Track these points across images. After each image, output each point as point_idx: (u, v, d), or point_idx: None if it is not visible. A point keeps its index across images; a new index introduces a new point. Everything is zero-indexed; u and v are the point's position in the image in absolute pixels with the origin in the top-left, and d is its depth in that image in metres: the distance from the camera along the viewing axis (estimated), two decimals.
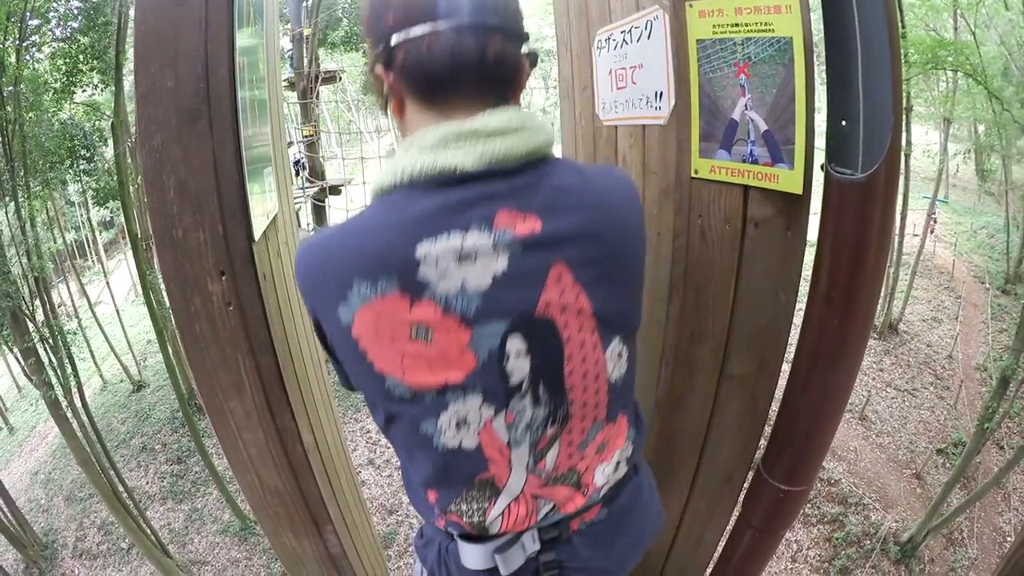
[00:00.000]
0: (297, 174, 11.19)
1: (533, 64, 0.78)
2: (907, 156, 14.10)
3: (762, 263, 1.25)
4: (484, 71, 0.71)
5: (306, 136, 10.80)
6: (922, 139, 20.54)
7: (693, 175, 1.29)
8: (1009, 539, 10.85)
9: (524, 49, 0.77)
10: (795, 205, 1.17)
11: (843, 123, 1.01)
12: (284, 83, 11.64)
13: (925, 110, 19.87)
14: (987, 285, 18.42)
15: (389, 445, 9.73)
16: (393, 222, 0.68)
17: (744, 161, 1.18)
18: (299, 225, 11.40)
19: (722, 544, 1.69)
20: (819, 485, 11.57)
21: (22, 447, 16.69)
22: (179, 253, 1.10)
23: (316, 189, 10.91)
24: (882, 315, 15.54)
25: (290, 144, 10.84)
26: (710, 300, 1.36)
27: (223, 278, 1.11)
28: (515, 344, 0.71)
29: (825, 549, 10.84)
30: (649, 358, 1.57)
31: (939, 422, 13.47)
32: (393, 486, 11.21)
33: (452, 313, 0.69)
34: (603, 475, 0.85)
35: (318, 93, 10.96)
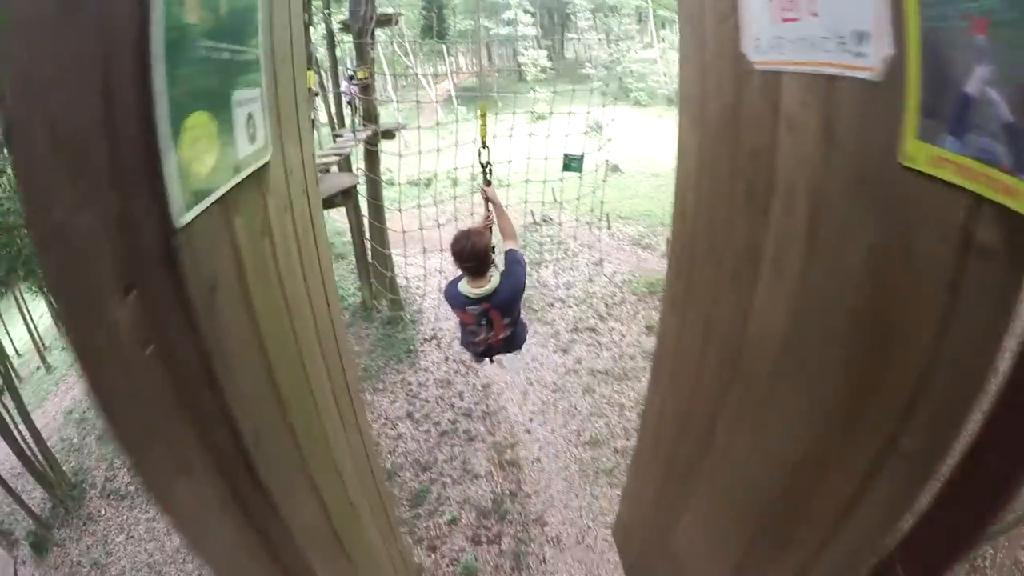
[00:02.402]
0: (353, 111, 11.04)
1: None
2: None
3: (980, 309, 0.82)
4: (483, 270, 2.82)
5: (361, 79, 10.34)
6: None
7: (905, 163, 0.86)
8: None
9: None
10: None
11: None
12: (339, 25, 11.23)
13: None
14: None
15: (428, 399, 10.36)
16: (461, 296, 2.89)
17: (979, 160, 0.75)
18: (348, 169, 10.96)
19: None
20: None
21: (58, 385, 16.79)
22: (64, 252, 0.67)
23: (369, 133, 10.45)
24: None
25: (350, 78, 10.59)
26: (899, 345, 0.93)
27: (129, 296, 0.69)
28: (482, 319, 2.92)
29: None
30: (803, 407, 1.16)
31: None
32: (430, 442, 10.48)
33: (470, 313, 2.91)
34: (502, 332, 2.97)
35: (374, 34, 10.41)
